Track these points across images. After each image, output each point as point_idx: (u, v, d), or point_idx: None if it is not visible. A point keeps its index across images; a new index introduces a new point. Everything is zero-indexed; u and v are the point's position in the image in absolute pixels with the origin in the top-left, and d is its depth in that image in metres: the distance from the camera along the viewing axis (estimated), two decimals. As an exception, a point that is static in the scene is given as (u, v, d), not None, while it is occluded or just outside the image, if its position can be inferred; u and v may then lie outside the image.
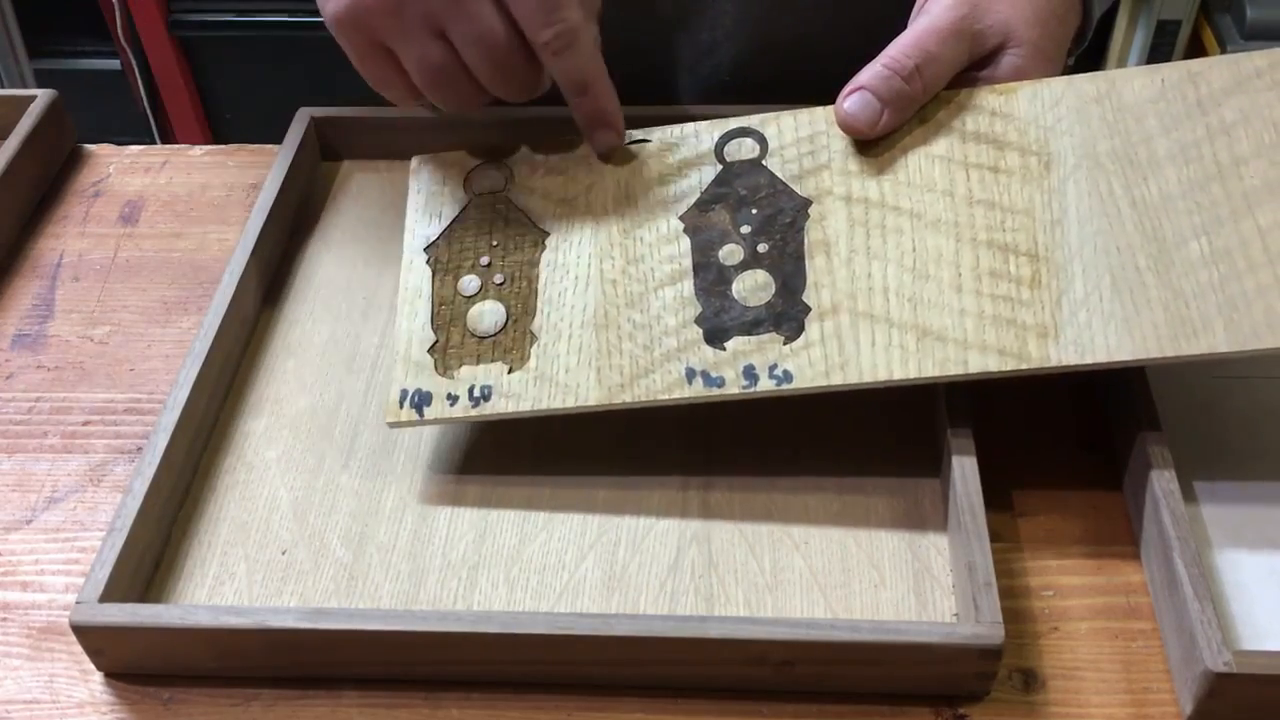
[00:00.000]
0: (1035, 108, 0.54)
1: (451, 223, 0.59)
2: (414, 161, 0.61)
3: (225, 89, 1.84)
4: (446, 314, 0.56)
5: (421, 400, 0.54)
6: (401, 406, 0.54)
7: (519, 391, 0.53)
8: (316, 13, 0.60)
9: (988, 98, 0.55)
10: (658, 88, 0.73)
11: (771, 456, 0.55)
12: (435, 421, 0.54)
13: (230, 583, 0.51)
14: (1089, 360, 0.48)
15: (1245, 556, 0.50)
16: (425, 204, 0.60)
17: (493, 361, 0.54)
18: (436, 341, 0.55)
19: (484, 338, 0.55)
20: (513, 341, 0.54)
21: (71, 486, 0.56)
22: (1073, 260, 0.50)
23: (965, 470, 0.50)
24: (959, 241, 0.52)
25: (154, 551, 0.52)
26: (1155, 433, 0.51)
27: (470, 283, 0.56)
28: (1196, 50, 1.69)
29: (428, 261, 0.58)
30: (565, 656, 0.46)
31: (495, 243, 0.57)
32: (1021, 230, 0.51)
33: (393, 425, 0.54)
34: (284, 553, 0.52)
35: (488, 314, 0.55)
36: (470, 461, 0.56)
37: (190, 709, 0.48)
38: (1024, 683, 0.47)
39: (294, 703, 0.48)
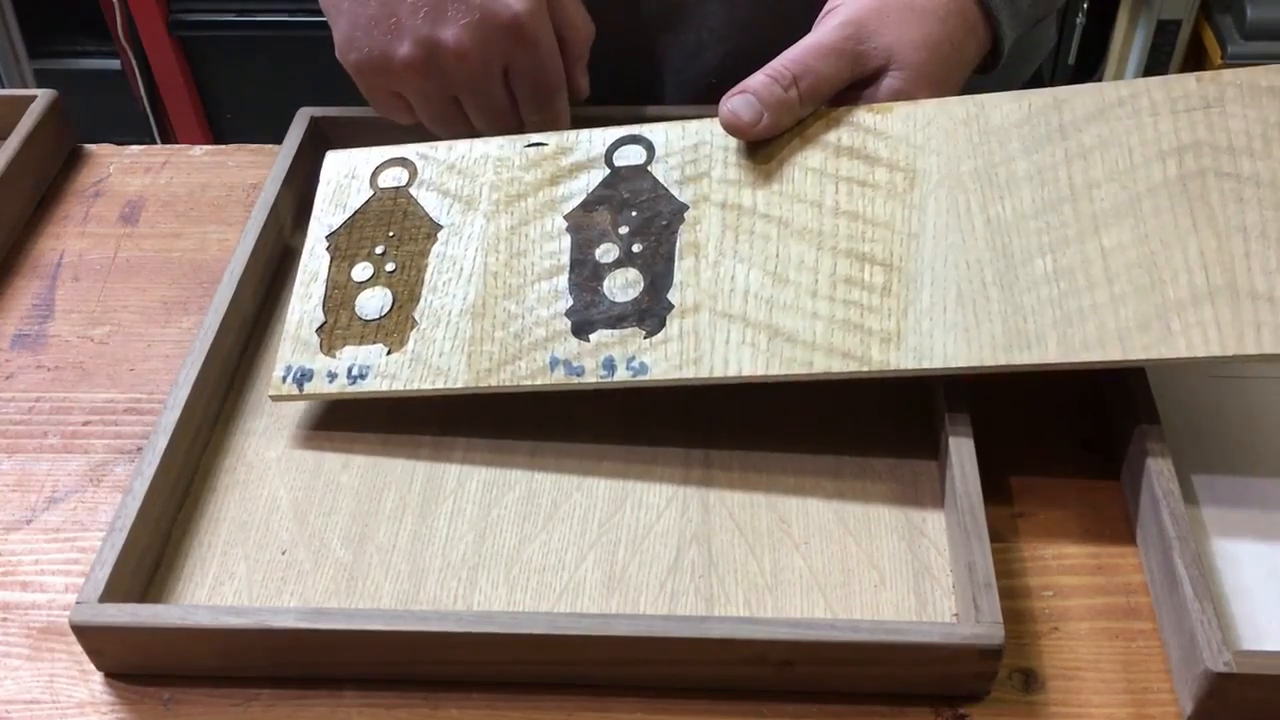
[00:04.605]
0: (908, 127, 0.56)
1: (354, 214, 0.61)
2: (327, 156, 0.64)
3: (225, 89, 1.84)
4: (338, 297, 0.58)
5: (303, 376, 0.56)
6: (284, 381, 0.57)
7: (394, 372, 0.56)
8: (317, 12, 0.60)
9: (865, 116, 0.57)
10: (644, 89, 0.73)
11: (771, 457, 0.55)
12: (314, 396, 0.56)
13: (230, 583, 0.51)
14: (925, 365, 0.50)
15: (1245, 556, 0.50)
16: (333, 195, 0.62)
17: (374, 343, 0.57)
18: (325, 323, 0.58)
19: (369, 321, 0.57)
20: (395, 325, 0.57)
21: (71, 486, 0.56)
22: (924, 272, 0.52)
23: (965, 470, 0.50)
24: (820, 249, 0.54)
25: (154, 551, 0.52)
26: (1155, 430, 0.51)
27: (363, 269, 0.59)
28: (1197, 50, 1.69)
29: (328, 248, 0.60)
30: (565, 656, 0.46)
31: (392, 234, 0.60)
32: (880, 241, 0.53)
33: (275, 399, 0.57)
34: (284, 553, 0.52)
35: (375, 299, 0.58)
36: (467, 461, 0.56)
37: (190, 709, 0.48)
38: (1024, 683, 0.47)
39: (294, 703, 0.48)
